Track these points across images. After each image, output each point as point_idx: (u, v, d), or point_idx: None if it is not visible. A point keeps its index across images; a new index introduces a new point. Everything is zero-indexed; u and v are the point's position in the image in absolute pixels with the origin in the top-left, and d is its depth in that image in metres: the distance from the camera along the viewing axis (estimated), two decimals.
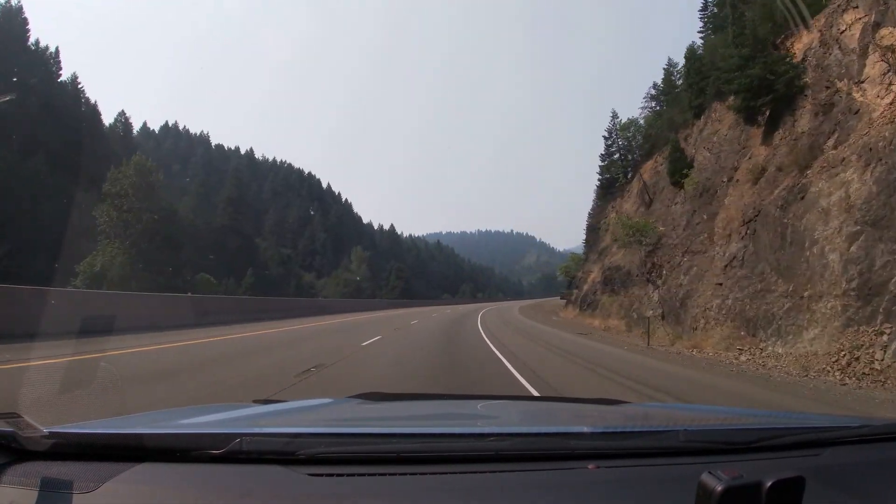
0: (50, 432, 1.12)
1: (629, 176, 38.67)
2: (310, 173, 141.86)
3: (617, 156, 42.66)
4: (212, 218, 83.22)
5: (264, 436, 1.27)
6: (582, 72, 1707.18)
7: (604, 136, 43.53)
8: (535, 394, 7.30)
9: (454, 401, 2.80)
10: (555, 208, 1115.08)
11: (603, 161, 43.45)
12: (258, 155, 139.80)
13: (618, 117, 44.09)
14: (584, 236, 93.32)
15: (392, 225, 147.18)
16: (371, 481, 1.11)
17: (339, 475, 1.11)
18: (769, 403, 7.25)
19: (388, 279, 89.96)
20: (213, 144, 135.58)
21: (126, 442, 1.21)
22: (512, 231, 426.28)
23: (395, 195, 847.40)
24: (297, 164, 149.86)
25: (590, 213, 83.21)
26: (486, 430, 1.59)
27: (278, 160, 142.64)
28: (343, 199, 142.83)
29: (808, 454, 1.33)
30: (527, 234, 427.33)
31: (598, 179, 44.33)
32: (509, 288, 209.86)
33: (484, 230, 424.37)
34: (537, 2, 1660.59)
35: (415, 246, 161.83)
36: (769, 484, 0.85)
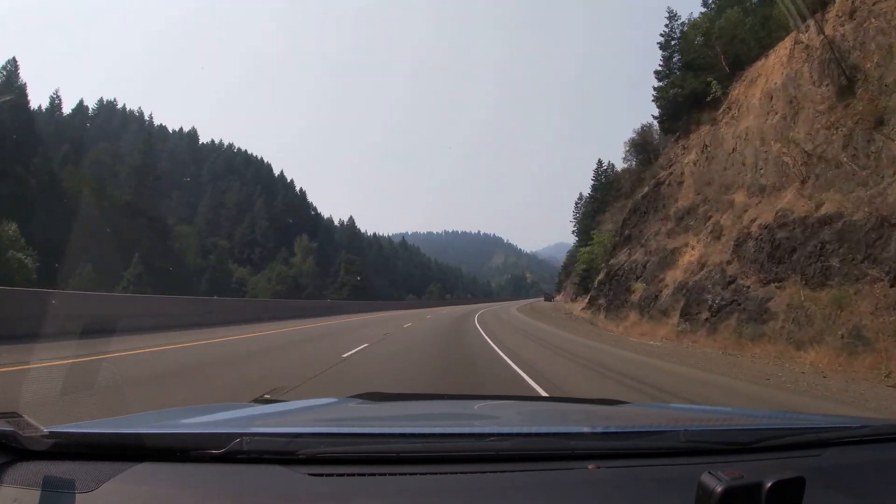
0: (50, 432, 1.09)
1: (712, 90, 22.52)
2: (261, 158, 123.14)
3: (678, 72, 26.60)
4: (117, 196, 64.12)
5: (265, 436, 1.23)
6: (558, 68, 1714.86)
7: (658, 44, 27.64)
8: None
9: (454, 401, 2.70)
10: (523, 210, 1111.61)
11: (660, 79, 27.32)
12: (207, 139, 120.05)
13: (677, 18, 28.24)
14: (578, 226, 77.81)
15: (351, 217, 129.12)
16: (371, 481, 1.09)
17: (339, 475, 1.09)
18: None
19: (337, 275, 71.89)
20: (156, 125, 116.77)
21: (126, 442, 1.17)
22: (479, 232, 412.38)
23: (358, 193, 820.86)
24: (254, 152, 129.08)
25: (587, 198, 68.12)
26: (486, 430, 1.55)
27: (226, 143, 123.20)
28: (298, 189, 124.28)
29: (809, 454, 1.30)
30: (494, 234, 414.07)
31: (658, 105, 28.02)
32: (478, 289, 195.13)
33: (451, 230, 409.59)
34: (518, 2, 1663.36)
35: (377, 243, 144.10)
36: (769, 484, 0.84)
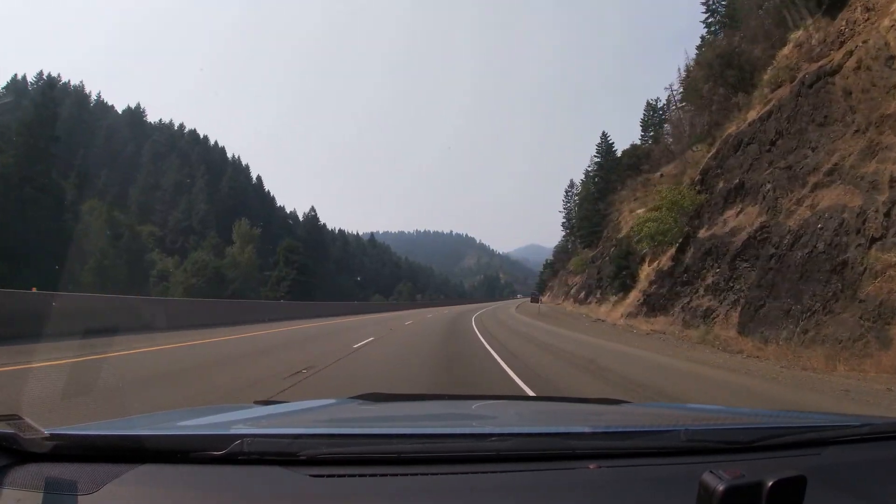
0: (51, 434, 1.07)
1: None
2: (216, 143, 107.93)
3: None
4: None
5: (265, 437, 1.21)
6: (534, 71, 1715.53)
7: None
8: None
9: (455, 401, 2.63)
10: (495, 211, 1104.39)
11: None
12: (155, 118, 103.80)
13: None
14: (572, 213, 66.23)
15: (313, 208, 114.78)
16: (372, 482, 1.07)
17: (340, 476, 1.07)
18: None
19: (276, 266, 57.36)
20: (106, 103, 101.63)
21: (127, 444, 1.15)
22: (451, 232, 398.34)
23: (328, 191, 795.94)
24: (211, 138, 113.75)
25: (590, 178, 56.64)
26: (487, 430, 1.54)
27: (176, 124, 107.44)
28: (255, 177, 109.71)
29: (810, 453, 1.28)
30: (466, 234, 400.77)
31: None
32: (450, 289, 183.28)
33: (422, 230, 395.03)
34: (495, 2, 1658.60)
35: (342, 238, 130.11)
36: (770, 483, 0.82)
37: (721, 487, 0.80)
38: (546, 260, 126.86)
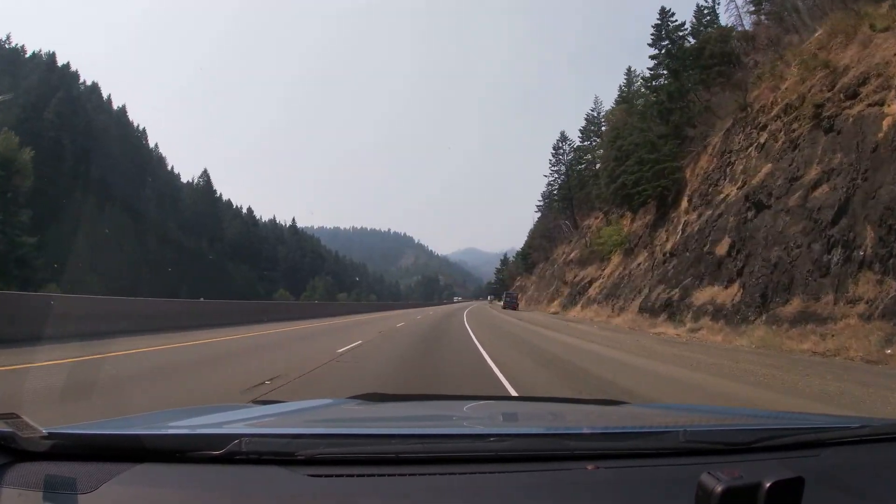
0: (49, 433, 1.06)
1: None
2: (94, 81, 76.90)
3: None
4: None
5: (264, 436, 1.20)
6: (480, 72, 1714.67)
7: None
8: None
9: (453, 401, 2.58)
10: (434, 213, 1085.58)
11: None
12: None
13: None
14: (565, 174, 43.02)
15: (206, 171, 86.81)
16: (370, 482, 1.06)
17: (338, 476, 1.06)
18: None
19: None
20: None
21: (125, 443, 1.14)
22: (389, 230, 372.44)
23: (261, 185, 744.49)
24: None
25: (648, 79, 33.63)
26: (486, 430, 1.53)
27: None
28: (138, 128, 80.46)
29: (808, 454, 1.26)
30: (405, 234, 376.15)
31: None
32: (384, 289, 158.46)
33: (359, 227, 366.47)
34: None
35: (251, 218, 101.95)
36: (768, 484, 0.82)
37: (719, 488, 0.79)
38: (504, 257, 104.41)
